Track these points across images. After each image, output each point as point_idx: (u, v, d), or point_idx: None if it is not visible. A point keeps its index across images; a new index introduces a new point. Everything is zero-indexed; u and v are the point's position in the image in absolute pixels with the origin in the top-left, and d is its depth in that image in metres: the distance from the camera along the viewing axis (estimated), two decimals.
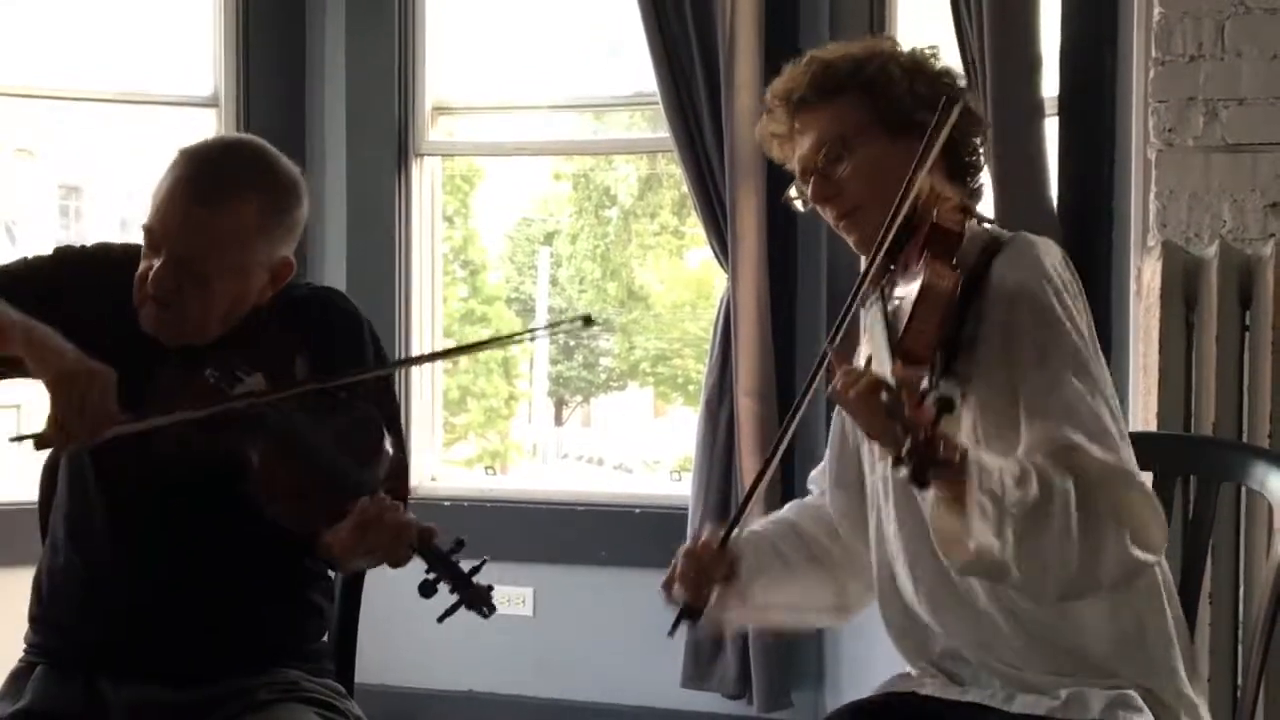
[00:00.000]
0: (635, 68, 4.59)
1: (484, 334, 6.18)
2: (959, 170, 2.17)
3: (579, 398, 6.62)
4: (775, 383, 4.15)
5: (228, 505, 2.18)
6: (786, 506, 2.41)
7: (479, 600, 2.18)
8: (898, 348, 1.95)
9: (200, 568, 2.25)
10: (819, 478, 2.40)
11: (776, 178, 4.11)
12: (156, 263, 2.17)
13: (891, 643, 2.25)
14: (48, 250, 2.36)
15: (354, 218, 4.59)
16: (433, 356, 2.23)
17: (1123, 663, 2.08)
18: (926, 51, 2.21)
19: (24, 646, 2.37)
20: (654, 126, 4.78)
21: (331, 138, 4.61)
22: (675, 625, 2.20)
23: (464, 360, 6.21)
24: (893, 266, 2.09)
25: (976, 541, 1.82)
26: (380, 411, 2.29)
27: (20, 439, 2.06)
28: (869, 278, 2.07)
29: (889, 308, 2.05)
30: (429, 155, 4.69)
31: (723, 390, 4.22)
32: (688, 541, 2.22)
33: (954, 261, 2.00)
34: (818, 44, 4.33)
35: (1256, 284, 3.03)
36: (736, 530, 2.21)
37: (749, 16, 4.06)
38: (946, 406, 1.75)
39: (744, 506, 2.23)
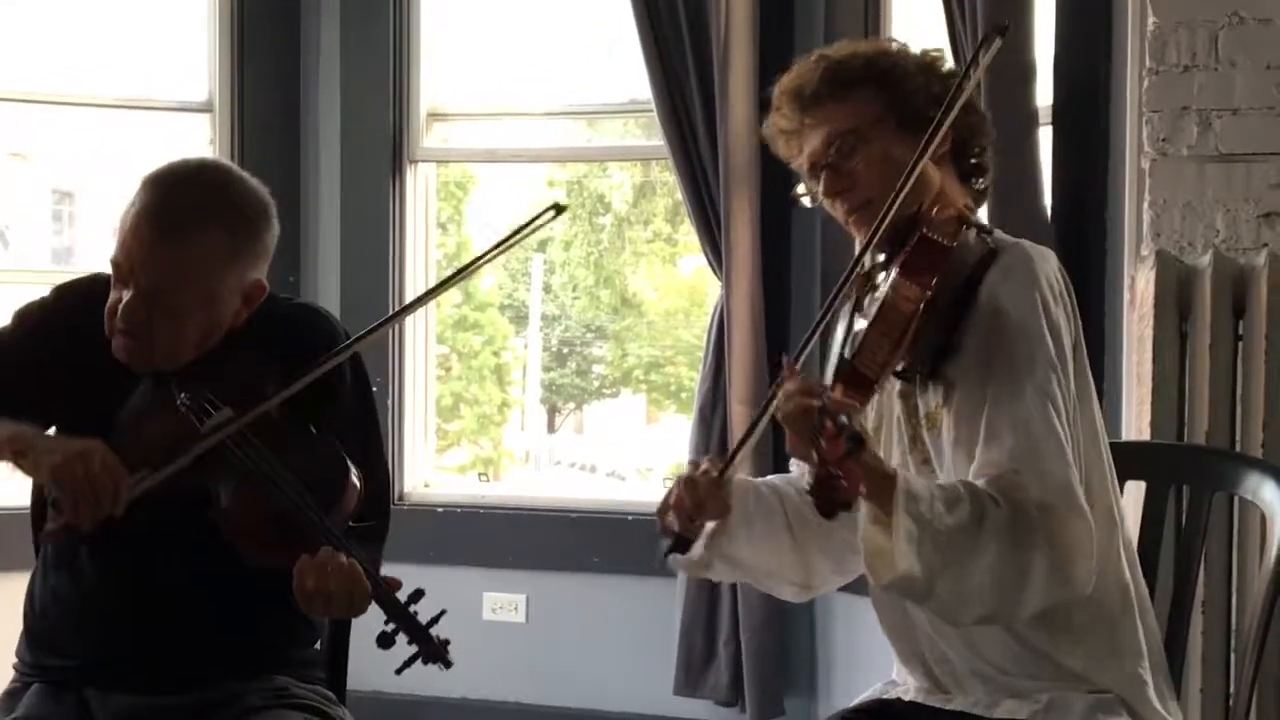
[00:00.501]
0: (629, 75, 4.59)
1: (476, 342, 6.17)
2: (966, 171, 2.19)
3: (572, 405, 6.61)
4: (768, 390, 4.14)
5: (196, 521, 2.17)
6: (770, 477, 2.40)
7: (436, 655, 2.17)
8: (841, 371, 1.97)
9: (189, 579, 2.25)
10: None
11: (771, 186, 4.13)
12: (126, 295, 2.17)
13: (888, 642, 2.25)
14: (5, 319, 2.34)
15: (348, 223, 4.59)
16: (395, 316, 2.24)
17: (1097, 674, 2.09)
18: (933, 54, 2.23)
19: (16, 663, 2.36)
20: (648, 134, 4.78)
21: (326, 143, 4.61)
22: (667, 554, 2.18)
23: (457, 366, 6.20)
24: (884, 265, 2.09)
25: (899, 563, 1.86)
26: (356, 436, 2.29)
27: (53, 534, 2.12)
28: (854, 271, 2.09)
29: (853, 322, 2.08)
30: (423, 161, 4.69)
31: (716, 398, 4.22)
32: (685, 468, 2.20)
33: (929, 280, 2.00)
34: (812, 52, 4.34)
35: (1250, 294, 3.03)
36: (734, 465, 2.18)
37: (743, 25, 4.06)
38: (856, 444, 1.76)
39: (744, 440, 2.21)
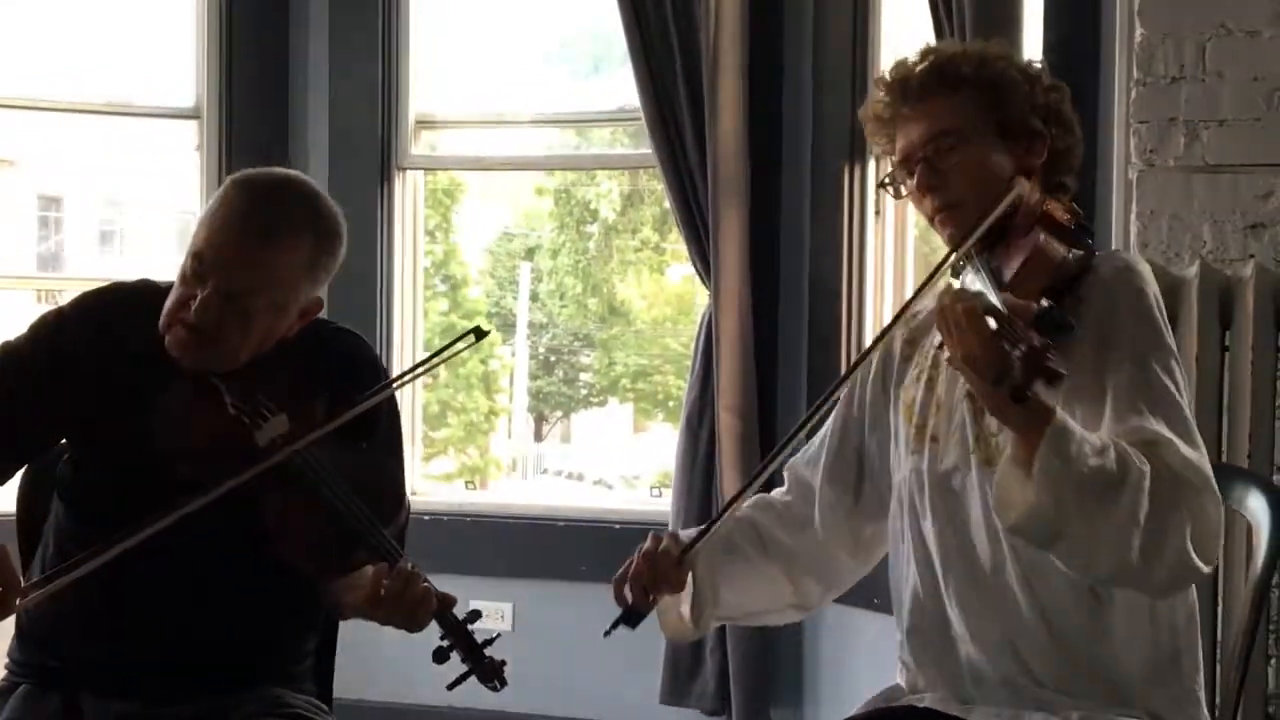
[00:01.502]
0: (618, 84, 4.60)
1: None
2: (1051, 187, 2.18)
3: (559, 413, 6.60)
4: (756, 399, 4.15)
5: (215, 530, 2.16)
6: (749, 502, 2.37)
7: (491, 674, 2.24)
8: (1005, 286, 1.94)
9: (186, 588, 2.24)
10: (803, 466, 2.38)
11: (759, 195, 4.13)
12: (201, 292, 2.16)
13: (904, 649, 2.22)
14: (24, 329, 2.32)
15: None
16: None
17: (1151, 686, 2.06)
18: (1037, 65, 2.23)
19: (7, 662, 2.35)
20: (636, 143, 4.79)
21: (314, 150, 4.61)
22: (614, 626, 2.21)
23: (444, 374, 6.20)
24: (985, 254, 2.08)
25: (1034, 498, 1.82)
26: (392, 459, 2.34)
27: None
28: (961, 249, 2.07)
29: (988, 267, 2.03)
30: (411, 169, 4.69)
31: (703, 406, 4.22)
32: (647, 542, 2.20)
33: (1064, 244, 2.01)
34: (801, 64, 4.36)
35: (1236, 305, 3.04)
36: (696, 549, 2.19)
37: (732, 34, 4.07)
38: (1062, 324, 1.76)
39: (713, 523, 2.22)
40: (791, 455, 2.35)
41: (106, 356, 2.24)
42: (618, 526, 4.45)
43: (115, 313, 2.28)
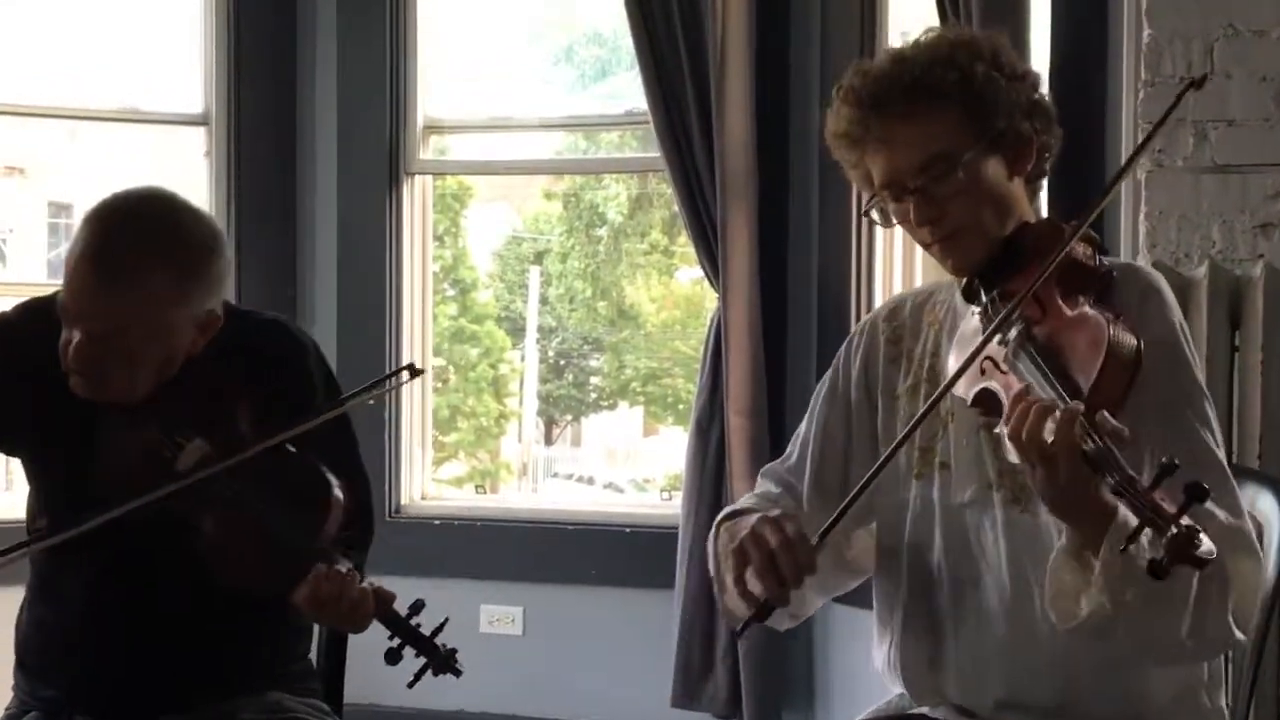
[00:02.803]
0: (626, 87, 4.60)
1: (473, 354, 6.18)
2: (1035, 175, 2.08)
3: (569, 417, 6.61)
4: (766, 402, 4.15)
5: (167, 556, 2.16)
6: (753, 497, 2.23)
7: (445, 665, 2.17)
8: (1092, 397, 1.72)
9: (173, 600, 2.24)
10: (781, 471, 2.25)
11: (767, 197, 4.13)
12: (75, 336, 2.12)
13: (897, 670, 2.15)
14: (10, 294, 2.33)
15: (344, 236, 4.59)
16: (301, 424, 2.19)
17: (1179, 707, 2.00)
18: (1009, 49, 2.04)
19: (13, 687, 2.36)
20: (644, 146, 4.79)
21: (322, 155, 4.61)
22: (748, 624, 1.95)
23: (454, 378, 6.20)
24: (996, 296, 1.94)
25: (1093, 600, 1.71)
26: (333, 451, 2.26)
27: None
28: (1008, 316, 1.87)
29: (1037, 351, 1.84)
30: (420, 173, 4.69)
31: (713, 409, 4.22)
32: (771, 530, 1.92)
33: (1115, 306, 1.86)
34: (808, 65, 4.35)
35: (1246, 305, 3.04)
36: (835, 529, 1.95)
37: (740, 37, 4.07)
38: (1199, 495, 1.54)
39: (844, 509, 1.95)
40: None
41: (46, 367, 2.19)
42: (628, 530, 4.44)
43: (55, 324, 2.20)
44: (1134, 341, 1.80)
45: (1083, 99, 3.50)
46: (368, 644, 2.27)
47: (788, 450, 2.27)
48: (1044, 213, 3.36)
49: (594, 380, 6.31)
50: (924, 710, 2.12)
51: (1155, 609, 1.74)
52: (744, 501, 2.23)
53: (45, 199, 6.31)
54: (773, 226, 4.16)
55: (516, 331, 6.38)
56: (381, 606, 2.14)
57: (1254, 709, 2.32)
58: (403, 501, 4.62)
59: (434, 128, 4.73)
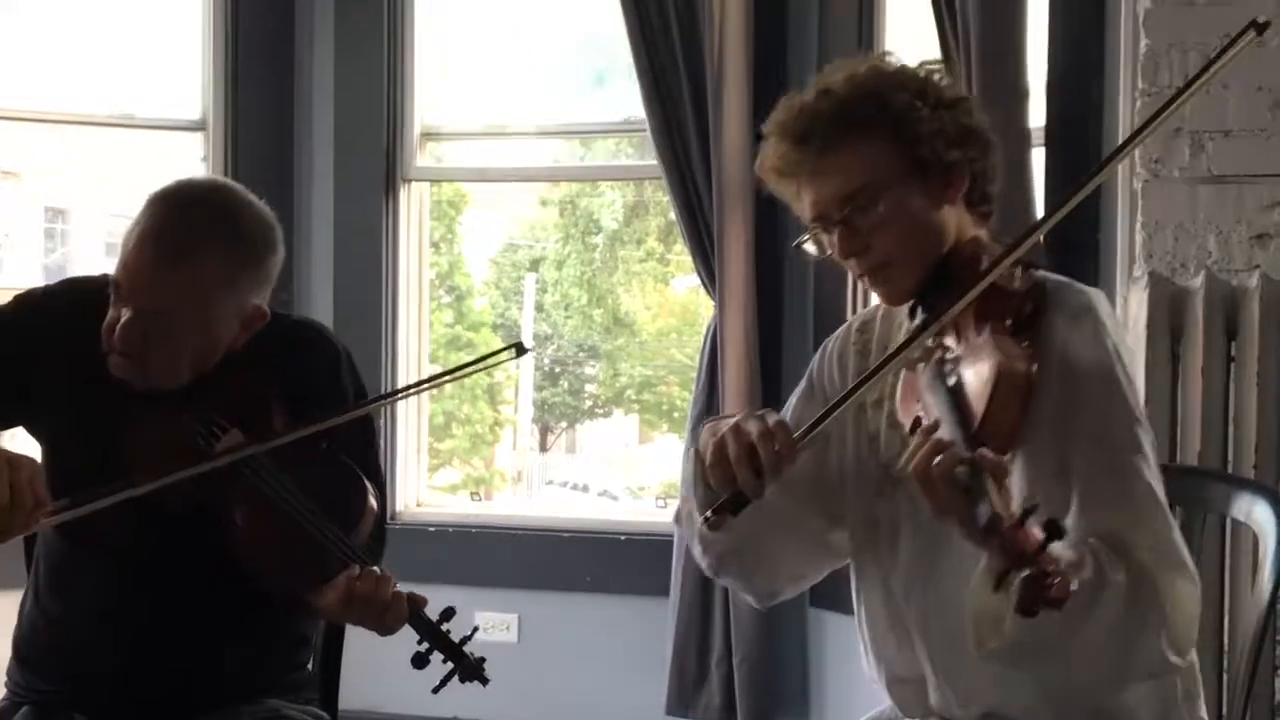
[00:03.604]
0: (623, 94, 4.60)
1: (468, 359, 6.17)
2: (975, 200, 2.06)
3: (564, 424, 6.60)
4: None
5: (208, 545, 2.17)
6: None
7: (473, 673, 2.18)
8: (978, 434, 1.75)
9: (183, 606, 2.24)
10: None
11: (764, 206, 4.12)
12: (124, 314, 2.14)
13: (886, 690, 2.16)
14: (6, 299, 2.32)
15: (341, 242, 4.59)
16: (395, 394, 2.23)
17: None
18: (931, 69, 2.06)
19: (7, 681, 2.35)
20: (641, 153, 4.79)
21: (319, 162, 4.61)
22: (719, 511, 1.88)
23: (449, 386, 6.20)
24: (925, 316, 1.95)
25: (1012, 628, 1.69)
26: (361, 456, 2.29)
27: None
28: (917, 340, 1.90)
29: (947, 376, 1.87)
30: (416, 180, 4.70)
31: (709, 418, 4.22)
32: (751, 421, 1.90)
33: (1020, 336, 1.86)
34: (806, 74, 4.36)
35: (1242, 315, 3.04)
36: (815, 433, 1.93)
37: (737, 45, 4.07)
38: (1056, 532, 1.56)
39: (827, 414, 1.94)
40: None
41: (71, 351, 2.22)
42: (623, 538, 4.44)
43: (86, 308, 2.24)
44: (1026, 368, 1.81)
45: (1080, 108, 3.51)
46: (365, 652, 2.27)
47: None
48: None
49: (589, 388, 6.31)
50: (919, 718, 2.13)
51: (1080, 634, 1.75)
52: None
53: (41, 204, 6.29)
54: (769, 235, 4.16)
55: (512, 339, 6.37)
56: (414, 610, 2.15)
57: (1249, 716, 2.32)
58: (398, 508, 4.62)
59: (431, 135, 4.73)
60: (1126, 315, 3.19)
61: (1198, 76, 1.99)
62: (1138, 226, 3.27)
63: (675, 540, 4.19)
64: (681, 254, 4.80)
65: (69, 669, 2.28)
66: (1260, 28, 1.93)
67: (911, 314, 2.04)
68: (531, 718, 4.40)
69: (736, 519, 1.89)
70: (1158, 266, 3.22)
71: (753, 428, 1.89)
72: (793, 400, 2.25)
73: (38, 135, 4.98)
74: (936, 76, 2.05)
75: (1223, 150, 3.22)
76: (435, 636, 2.17)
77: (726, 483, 1.89)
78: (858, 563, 2.16)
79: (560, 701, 4.41)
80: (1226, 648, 3.01)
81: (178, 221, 2.16)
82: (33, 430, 2.32)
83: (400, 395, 2.29)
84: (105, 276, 2.26)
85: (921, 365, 1.92)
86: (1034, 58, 3.53)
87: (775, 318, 4.23)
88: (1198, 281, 3.08)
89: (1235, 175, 3.22)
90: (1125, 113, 3.31)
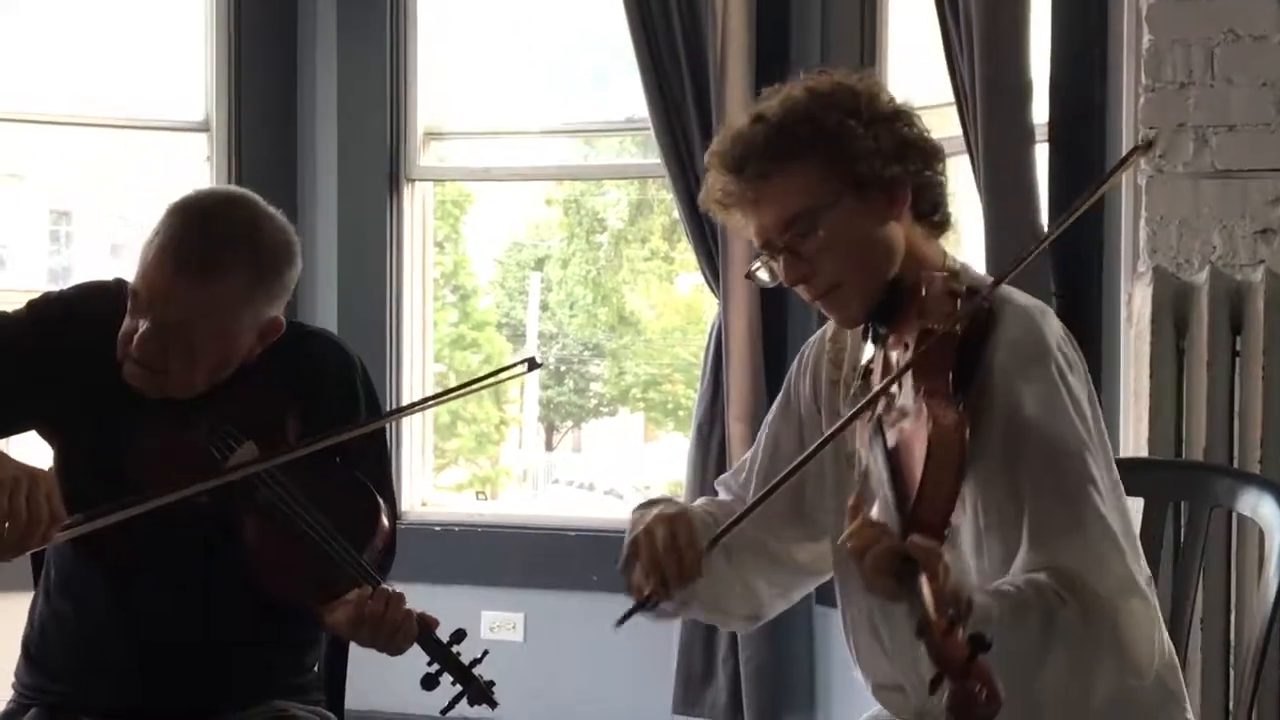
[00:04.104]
0: (626, 93, 4.60)
1: (474, 360, 6.17)
2: (924, 211, 2.02)
3: (570, 423, 6.60)
4: (766, 408, 4.13)
5: (218, 553, 2.17)
6: (703, 501, 2.24)
7: (482, 696, 2.20)
8: (914, 512, 1.73)
9: (192, 610, 2.25)
10: (731, 483, 2.26)
11: None
12: (142, 325, 2.14)
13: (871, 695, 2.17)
14: (19, 305, 2.31)
15: (345, 243, 4.60)
16: (409, 408, 2.27)
17: None
18: (867, 83, 2.03)
19: (15, 683, 2.35)
20: (645, 152, 4.79)
21: (322, 163, 4.62)
22: (628, 616, 2.00)
23: (453, 385, 6.19)
24: (886, 334, 1.94)
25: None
26: (372, 470, 2.30)
27: None
28: (872, 401, 1.88)
29: (886, 437, 1.85)
30: (420, 180, 4.70)
31: (714, 416, 4.22)
32: (660, 530, 1.96)
33: (951, 390, 1.83)
34: (809, 70, 4.36)
35: (1247, 310, 3.04)
36: (722, 540, 1.98)
37: (740, 43, 4.07)
38: (981, 645, 1.53)
39: (737, 521, 2.00)
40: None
41: (85, 356, 2.22)
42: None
43: (97, 312, 2.24)
44: (959, 437, 1.77)
45: (1083, 104, 3.50)
46: (371, 653, 2.27)
47: (740, 462, 2.29)
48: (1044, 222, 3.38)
49: (594, 386, 6.30)
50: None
51: (1031, 679, 1.76)
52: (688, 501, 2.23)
53: (45, 206, 6.30)
54: None
55: (517, 338, 6.37)
56: (424, 632, 2.16)
57: (1256, 714, 2.32)
58: (403, 508, 4.62)
59: (434, 135, 4.73)
60: (1131, 311, 3.19)
61: (1096, 188, 2.06)
62: (1142, 222, 3.26)
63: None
64: (686, 252, 4.81)
65: (78, 670, 2.28)
66: (1145, 148, 2.12)
67: (865, 336, 2.02)
68: (538, 717, 4.40)
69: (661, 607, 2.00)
70: (1162, 262, 3.21)
71: (659, 542, 1.94)
72: (773, 412, 2.25)
73: (41, 137, 4.99)
74: (873, 90, 2.02)
75: (1227, 145, 3.21)
76: (446, 658, 2.17)
77: (635, 590, 1.98)
78: (839, 575, 2.16)
79: (566, 701, 4.41)
80: (1233, 643, 3.01)
81: (200, 235, 2.15)
82: (46, 435, 2.32)
83: (411, 410, 2.30)
84: (118, 281, 2.26)
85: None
86: (1036, 53, 3.53)
87: (779, 315, 4.22)
88: (1202, 277, 3.08)
89: (1240, 170, 3.22)
90: (1128, 108, 3.31)
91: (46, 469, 2.04)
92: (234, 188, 2.30)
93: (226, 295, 2.15)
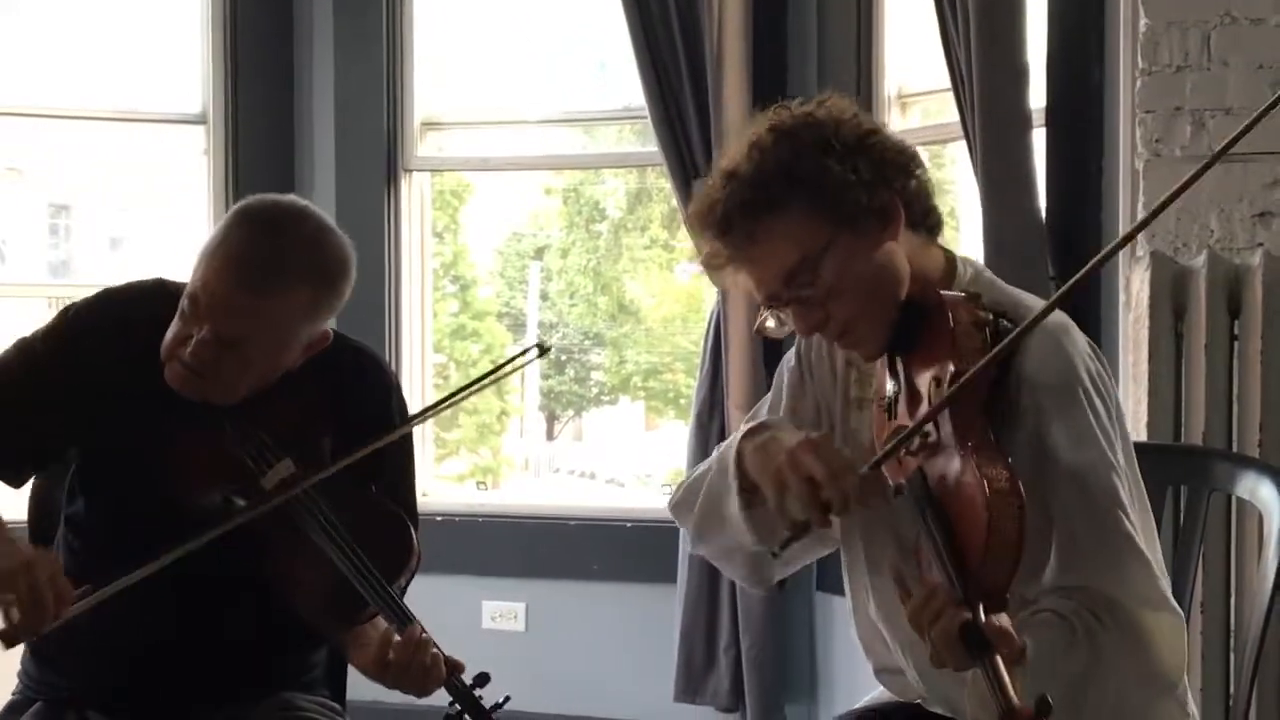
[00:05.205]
0: (624, 82, 4.60)
1: (474, 350, 6.17)
2: (918, 220, 1.99)
3: (570, 412, 6.60)
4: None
5: (221, 566, 2.16)
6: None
7: None
8: (978, 587, 1.68)
9: (202, 607, 2.24)
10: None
11: None
12: (197, 333, 2.12)
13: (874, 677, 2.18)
14: (49, 320, 2.30)
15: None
16: (436, 408, 2.28)
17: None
18: (830, 110, 1.96)
19: (20, 674, 2.36)
20: (643, 140, 4.79)
21: (320, 154, 4.61)
22: (788, 543, 1.89)
23: (454, 375, 6.20)
24: (908, 365, 1.91)
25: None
26: (401, 492, 2.31)
27: None
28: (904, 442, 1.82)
29: (926, 472, 1.80)
30: (418, 170, 4.70)
31: (713, 404, 4.22)
32: (810, 459, 1.84)
33: (990, 432, 1.80)
34: (805, 60, 4.35)
35: (1245, 294, 3.03)
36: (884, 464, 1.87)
37: (736, 31, 4.07)
38: (1046, 710, 1.55)
39: (902, 442, 1.84)
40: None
41: (121, 361, 2.22)
42: (630, 525, 4.45)
43: (132, 316, 2.25)
44: (1014, 501, 1.71)
45: (1080, 88, 3.50)
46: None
47: (754, 409, 2.26)
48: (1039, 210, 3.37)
49: (595, 375, 6.30)
50: (919, 701, 2.13)
51: (1074, 706, 1.74)
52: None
53: (44, 200, 6.30)
54: None
55: (517, 328, 6.37)
56: (450, 675, 2.17)
57: (1256, 697, 2.33)
58: None
59: (432, 124, 4.73)
60: (1129, 295, 3.19)
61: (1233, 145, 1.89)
62: (1139, 206, 3.26)
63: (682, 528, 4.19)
64: (685, 240, 4.80)
65: (84, 664, 2.28)
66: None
67: (888, 365, 1.96)
68: (539, 706, 4.40)
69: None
70: (1160, 246, 3.21)
71: (816, 469, 1.84)
72: (782, 386, 2.20)
73: (40, 131, 4.99)
74: (837, 116, 1.96)
75: (1224, 128, 3.21)
76: (469, 703, 2.19)
77: (791, 524, 1.87)
78: (847, 554, 2.15)
79: (568, 689, 4.42)
80: (1233, 626, 3.01)
81: (267, 249, 2.13)
82: (77, 462, 2.31)
83: (436, 410, 2.30)
84: (157, 282, 2.27)
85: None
86: (1033, 38, 3.52)
87: None
88: (1200, 260, 3.08)
89: (1237, 153, 3.19)
90: (1125, 92, 3.30)
91: (48, 552, 2.08)
92: (297, 198, 2.27)
93: (288, 311, 2.14)
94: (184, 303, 2.15)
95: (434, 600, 2.22)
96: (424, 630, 2.16)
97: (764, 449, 1.96)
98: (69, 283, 5.80)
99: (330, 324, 2.26)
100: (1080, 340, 1.95)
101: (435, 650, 2.16)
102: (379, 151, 4.60)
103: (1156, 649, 1.83)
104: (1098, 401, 1.90)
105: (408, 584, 2.31)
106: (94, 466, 2.27)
